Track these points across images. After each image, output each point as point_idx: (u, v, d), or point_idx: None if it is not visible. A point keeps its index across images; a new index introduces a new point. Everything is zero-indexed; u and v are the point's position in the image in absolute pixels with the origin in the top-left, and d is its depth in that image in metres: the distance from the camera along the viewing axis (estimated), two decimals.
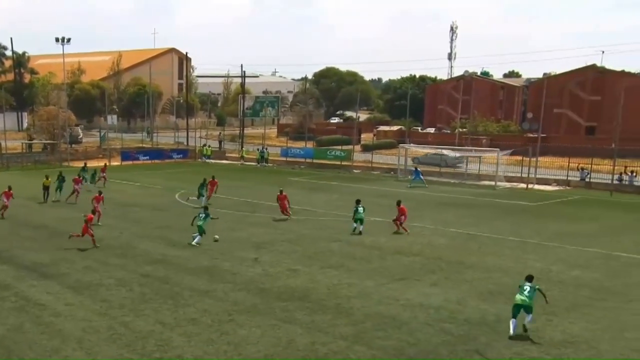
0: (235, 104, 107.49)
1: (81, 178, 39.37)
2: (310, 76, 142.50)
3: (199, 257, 23.51)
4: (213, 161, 65.32)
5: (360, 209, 28.44)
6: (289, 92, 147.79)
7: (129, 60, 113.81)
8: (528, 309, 16.03)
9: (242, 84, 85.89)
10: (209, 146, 68.93)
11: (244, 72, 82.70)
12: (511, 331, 15.70)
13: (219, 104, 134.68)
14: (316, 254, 24.15)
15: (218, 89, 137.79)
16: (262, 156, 62.45)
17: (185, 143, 75.32)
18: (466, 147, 57.08)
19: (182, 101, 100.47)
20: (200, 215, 26.33)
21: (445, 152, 53.72)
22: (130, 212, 33.09)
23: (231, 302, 18.07)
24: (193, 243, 25.45)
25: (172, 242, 25.98)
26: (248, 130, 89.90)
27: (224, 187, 39.05)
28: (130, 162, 62.10)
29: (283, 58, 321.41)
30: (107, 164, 52.57)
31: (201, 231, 25.73)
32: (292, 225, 30.25)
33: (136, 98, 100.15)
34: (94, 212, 27.84)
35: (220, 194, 38.07)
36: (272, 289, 19.45)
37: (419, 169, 48.27)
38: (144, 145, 73.79)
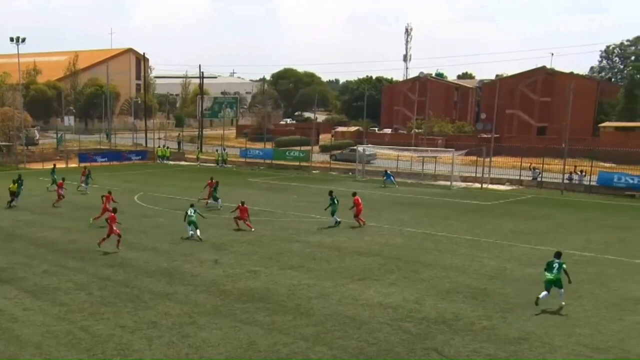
0: (194, 105, 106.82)
1: (63, 181, 37.13)
2: (268, 77, 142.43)
3: (158, 259, 23.25)
4: (172, 162, 64.73)
5: (336, 200, 30.03)
6: (247, 93, 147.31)
7: (86, 60, 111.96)
8: (558, 284, 17.72)
9: (201, 85, 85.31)
10: (168, 147, 68.36)
11: (202, 72, 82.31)
12: (541, 296, 17.63)
13: (178, 105, 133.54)
14: (276, 255, 24.09)
15: (176, 90, 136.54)
16: (222, 157, 62.13)
17: (144, 144, 74.45)
18: (422, 148, 57.65)
19: (140, 102, 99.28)
20: (190, 212, 27.02)
21: (360, 148, 54.36)
22: (89, 214, 32.55)
23: (192, 305, 17.92)
24: (192, 236, 26.51)
25: (132, 244, 25.62)
26: (207, 132, 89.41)
27: (182, 189, 38.71)
28: (88, 164, 61.04)
29: (241, 59, 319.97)
30: (56, 165, 50.53)
31: (196, 226, 26.69)
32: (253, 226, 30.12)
33: (93, 99, 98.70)
34: (115, 210, 26.30)
35: (179, 195, 37.74)
36: (233, 290, 19.34)
37: (389, 171, 48.65)
38: (101, 147, 72.67)
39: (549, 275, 17.80)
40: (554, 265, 17.76)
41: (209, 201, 35.47)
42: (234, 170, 58.02)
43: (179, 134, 78.55)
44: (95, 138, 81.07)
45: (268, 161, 61.54)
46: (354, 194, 30.71)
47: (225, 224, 30.19)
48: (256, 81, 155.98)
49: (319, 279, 20.70)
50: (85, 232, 28.20)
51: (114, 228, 24.59)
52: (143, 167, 60.93)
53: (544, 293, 17.69)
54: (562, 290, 17.74)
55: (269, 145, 67.22)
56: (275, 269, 22.02)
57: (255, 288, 19.62)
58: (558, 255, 18.18)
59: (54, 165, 47.74)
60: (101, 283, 20.07)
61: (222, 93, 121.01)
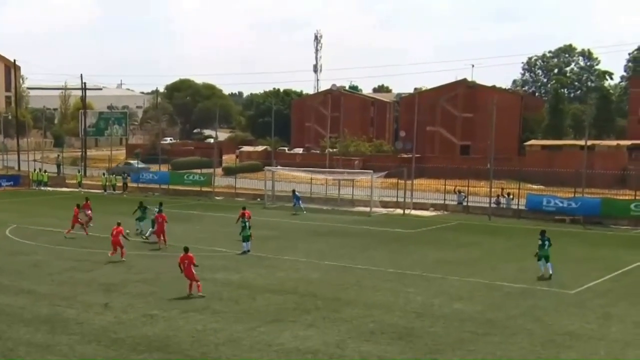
0: (76, 121, 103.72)
1: None
2: (162, 89, 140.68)
3: (37, 304, 22.35)
4: (50, 189, 62.61)
5: (247, 224, 31.89)
6: (138, 107, 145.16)
7: None
8: (548, 259, 26.40)
9: (83, 98, 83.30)
10: (45, 171, 66.02)
11: (85, 83, 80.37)
12: (542, 269, 26.66)
13: (56, 121, 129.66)
14: (176, 295, 23.62)
15: (54, 104, 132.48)
16: (109, 182, 60.67)
17: (17, 168, 71.82)
18: (338, 170, 58.23)
19: (10, 117, 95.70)
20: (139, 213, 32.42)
21: (131, 161, 55.17)
22: None
23: (78, 357, 17.29)
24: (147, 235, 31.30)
25: (4, 287, 24.55)
26: (92, 152, 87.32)
27: (64, 219, 37.44)
28: None
29: (130, 68, 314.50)
30: None
31: (150, 224, 31.58)
32: (148, 262, 29.57)
33: None
34: (119, 224, 30.24)
35: (60, 227, 36.56)
36: (127, 339, 18.80)
37: (297, 193, 48.89)
38: None
39: (544, 252, 26.44)
40: (545, 243, 26.37)
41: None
42: (125, 198, 56.71)
43: (59, 155, 76.23)
44: None
45: (164, 186, 60.53)
46: (244, 208, 34.60)
47: (116, 261, 29.40)
48: (148, 94, 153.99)
49: (227, 323, 20.43)
50: None
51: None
52: (16, 194, 58.67)
53: (540, 265, 26.65)
54: (550, 263, 26.42)
55: (164, 168, 66.16)
56: (175, 312, 21.57)
57: (152, 335, 19.16)
58: (543, 232, 26.85)
59: None
60: None
61: (108, 107, 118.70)
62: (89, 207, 38.47)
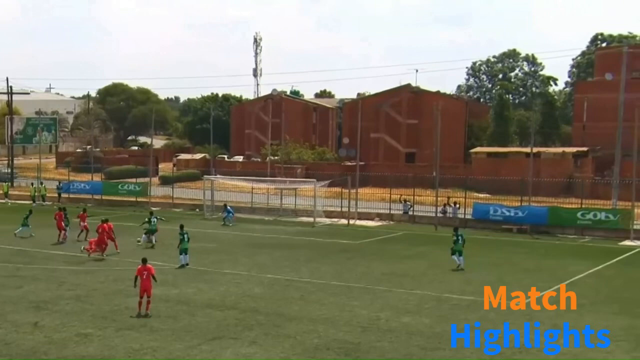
0: (1, 128, 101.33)
1: None
2: (94, 93, 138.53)
3: None
4: None
5: (186, 237, 31.39)
6: (68, 112, 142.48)
7: None
8: (461, 253, 31.05)
9: (9, 103, 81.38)
10: None
11: (11, 87, 78.59)
12: (458, 262, 31.09)
13: None
14: (111, 312, 23.31)
15: None
16: (39, 192, 59.39)
17: None
18: (280, 178, 58.17)
19: None
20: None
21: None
22: None
23: None
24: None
25: None
26: (19, 161, 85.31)
27: None
28: None
29: (60, 71, 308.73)
30: None
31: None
32: (80, 277, 29.07)
33: None
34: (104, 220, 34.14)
35: None
36: None
37: (229, 207, 48.36)
38: None
39: (457, 247, 31.07)
40: (459, 239, 31.07)
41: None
42: (55, 209, 55.43)
43: None
44: None
45: (97, 197, 59.54)
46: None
47: (47, 276, 28.88)
48: (79, 98, 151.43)
49: (165, 341, 20.22)
50: None
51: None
52: None
53: (454, 258, 31.13)
54: (462, 257, 30.99)
55: (97, 177, 65.09)
56: (111, 330, 21.26)
57: (87, 355, 18.89)
58: (456, 229, 32.09)
59: None
60: None
61: (36, 113, 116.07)
62: (84, 219, 39.49)
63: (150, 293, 23.06)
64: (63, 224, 38.78)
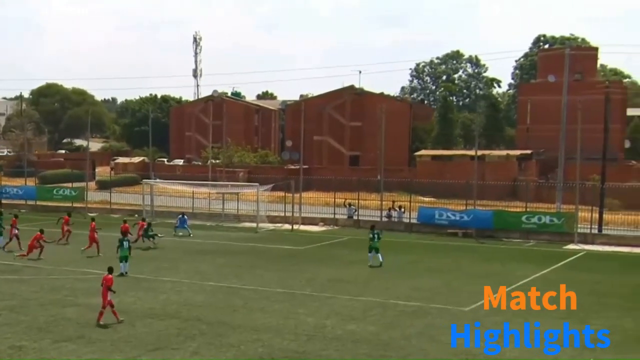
0: None
1: None
2: (26, 94, 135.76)
3: None
4: None
5: (126, 244, 31.27)
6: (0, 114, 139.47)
7: None
8: (377, 250, 32.94)
9: None
10: None
11: None
12: (370, 260, 33.14)
13: None
14: (47, 323, 22.83)
15: None
16: None
17: None
18: (222, 182, 57.88)
19: None
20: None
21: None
22: None
23: None
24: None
25: None
26: None
27: None
28: None
29: None
30: None
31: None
32: (13, 287, 28.40)
33: None
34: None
35: None
36: None
37: (185, 216, 45.92)
38: None
39: (373, 245, 33.04)
40: (375, 237, 32.97)
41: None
42: None
43: None
44: None
45: (31, 202, 58.40)
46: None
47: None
48: (11, 99, 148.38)
49: (104, 353, 19.91)
50: None
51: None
52: None
53: (370, 256, 33.08)
54: (380, 254, 32.93)
55: (31, 182, 63.83)
56: (46, 342, 20.84)
57: None
58: (373, 227, 34.62)
59: None
60: None
61: None
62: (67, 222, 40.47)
63: (104, 304, 22.80)
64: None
